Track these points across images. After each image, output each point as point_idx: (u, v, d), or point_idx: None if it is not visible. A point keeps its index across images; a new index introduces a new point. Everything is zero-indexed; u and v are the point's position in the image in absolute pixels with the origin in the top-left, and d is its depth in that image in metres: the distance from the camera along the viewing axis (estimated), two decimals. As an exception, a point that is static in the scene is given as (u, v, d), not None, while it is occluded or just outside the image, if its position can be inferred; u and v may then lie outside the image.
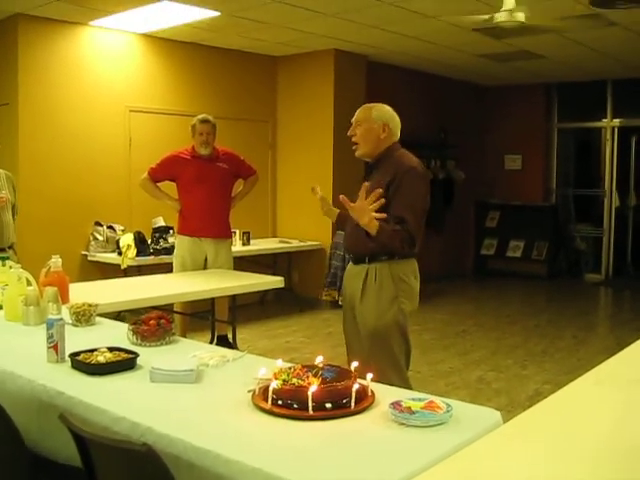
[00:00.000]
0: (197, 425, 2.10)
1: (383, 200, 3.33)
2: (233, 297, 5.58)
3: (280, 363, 2.41)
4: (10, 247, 5.17)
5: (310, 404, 2.11)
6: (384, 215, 3.36)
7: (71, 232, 7.14)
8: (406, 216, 3.48)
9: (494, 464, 1.80)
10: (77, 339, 2.93)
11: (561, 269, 11.37)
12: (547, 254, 11.17)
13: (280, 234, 9.25)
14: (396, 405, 2.13)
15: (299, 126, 9.08)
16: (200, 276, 5.60)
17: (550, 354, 6.62)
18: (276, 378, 2.24)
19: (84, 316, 3.41)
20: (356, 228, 3.56)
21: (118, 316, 4.37)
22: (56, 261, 3.76)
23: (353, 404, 2.18)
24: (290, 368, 2.35)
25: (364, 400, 2.23)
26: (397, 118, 3.77)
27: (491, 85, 11.52)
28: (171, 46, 7.99)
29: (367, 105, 3.78)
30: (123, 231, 7.28)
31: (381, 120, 3.69)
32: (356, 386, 2.21)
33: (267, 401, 2.20)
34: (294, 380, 2.23)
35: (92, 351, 2.74)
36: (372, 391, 2.29)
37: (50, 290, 3.49)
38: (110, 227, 7.32)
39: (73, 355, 2.70)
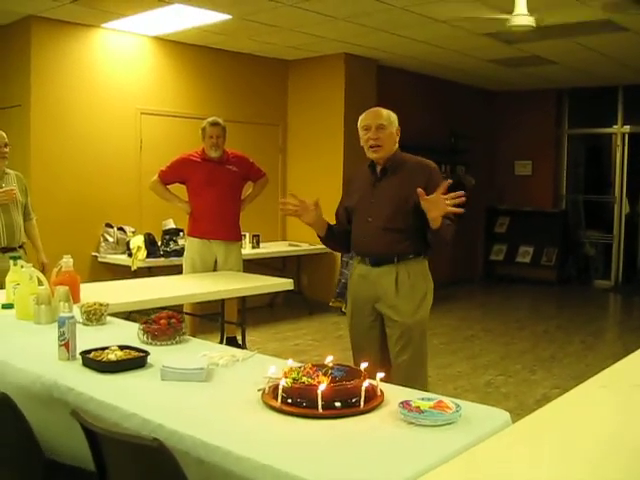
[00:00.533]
0: (207, 422, 2.12)
1: (464, 199, 3.37)
2: (243, 299, 5.58)
3: (291, 362, 2.42)
4: (20, 247, 5.19)
5: (320, 402, 2.12)
6: (461, 210, 3.40)
7: (82, 233, 7.17)
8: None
9: (503, 464, 1.80)
10: (88, 338, 2.94)
11: (570, 275, 11.35)
12: (556, 260, 11.15)
13: (290, 237, 9.26)
14: (405, 404, 2.13)
15: (309, 130, 9.10)
16: (210, 278, 5.62)
17: (559, 359, 6.61)
18: (286, 377, 2.25)
19: (95, 315, 3.43)
20: (385, 230, 3.67)
21: (128, 317, 4.38)
22: (67, 261, 3.79)
23: (362, 403, 2.19)
24: (300, 367, 2.36)
25: (373, 399, 2.24)
26: None
27: (501, 90, 11.52)
28: (182, 49, 8.03)
29: (379, 109, 3.83)
30: (133, 233, 7.32)
31: (395, 124, 3.80)
32: (365, 385, 2.22)
33: (277, 399, 2.21)
34: (304, 379, 2.24)
35: (103, 349, 2.75)
36: (381, 390, 2.30)
37: (61, 289, 3.52)
38: (120, 229, 7.36)
39: (84, 353, 2.72)
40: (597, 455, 1.84)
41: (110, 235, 7.32)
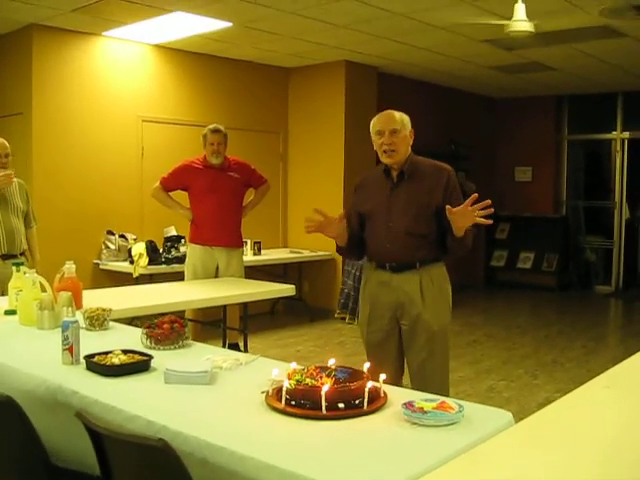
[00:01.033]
0: (212, 424, 2.13)
1: (492, 209, 3.36)
2: (244, 305, 5.60)
3: (294, 365, 2.44)
4: (22, 254, 5.21)
5: (323, 404, 2.13)
6: (490, 221, 3.38)
7: (83, 241, 7.19)
8: None
9: (505, 463, 1.82)
10: (91, 343, 2.96)
11: (571, 281, 11.35)
12: (557, 266, 11.16)
13: (291, 244, 9.28)
14: (409, 405, 2.15)
15: (310, 137, 9.13)
16: (212, 284, 5.64)
17: (560, 364, 6.62)
18: (290, 378, 2.26)
19: (98, 320, 3.44)
20: (407, 235, 3.62)
21: (130, 324, 4.39)
22: (70, 267, 3.80)
23: (366, 404, 2.20)
24: (304, 369, 2.37)
25: (377, 400, 2.25)
26: None
27: (501, 97, 11.55)
28: (183, 57, 8.06)
29: (392, 113, 3.75)
30: (135, 240, 7.33)
31: (409, 127, 3.74)
32: (369, 386, 2.23)
33: (281, 401, 2.23)
34: (307, 380, 2.26)
35: (107, 353, 2.77)
36: (384, 392, 2.31)
37: (64, 295, 3.53)
38: (122, 236, 7.37)
39: (88, 357, 2.73)
40: (600, 455, 1.85)
41: (112, 242, 7.33)
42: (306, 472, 1.75)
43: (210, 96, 8.39)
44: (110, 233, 7.36)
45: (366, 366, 2.41)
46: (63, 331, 2.80)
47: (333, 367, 2.40)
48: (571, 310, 9.99)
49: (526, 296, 10.72)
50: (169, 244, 7.28)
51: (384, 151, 3.67)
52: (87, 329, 3.37)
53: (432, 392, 2.50)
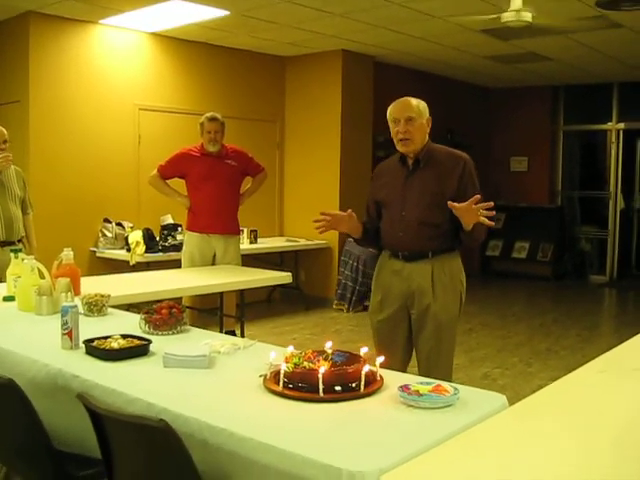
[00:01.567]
0: (211, 406, 2.16)
1: (494, 212, 3.35)
2: (241, 293, 5.63)
3: (291, 349, 2.47)
4: (19, 240, 5.22)
5: (321, 386, 2.16)
6: (492, 223, 3.39)
7: (80, 228, 7.20)
8: None
9: (500, 444, 1.85)
10: (90, 328, 2.98)
11: (566, 270, 11.40)
12: (552, 255, 11.20)
13: (287, 233, 9.31)
14: (405, 388, 2.18)
15: (306, 126, 9.14)
16: (209, 271, 5.66)
17: (555, 352, 6.68)
18: (287, 362, 2.30)
19: (96, 306, 3.47)
20: (420, 225, 3.60)
21: (127, 311, 4.41)
22: (68, 254, 3.82)
23: (362, 387, 2.23)
24: (301, 352, 2.40)
25: (373, 384, 2.28)
26: None
27: (497, 87, 11.57)
28: (180, 45, 8.06)
29: (408, 100, 3.69)
30: (132, 228, 7.35)
31: (426, 114, 3.70)
32: (365, 370, 2.26)
33: (278, 384, 2.26)
34: (305, 364, 2.29)
35: (106, 338, 2.79)
36: (381, 375, 2.35)
37: (63, 281, 3.56)
38: (119, 224, 7.39)
39: (87, 342, 2.76)
40: (595, 436, 1.89)
41: (108, 230, 7.35)
42: (304, 452, 1.78)
43: (207, 85, 8.39)
44: (107, 221, 7.38)
45: (363, 351, 2.43)
46: (62, 316, 2.82)
47: (330, 351, 2.43)
48: (566, 299, 10.04)
49: (521, 285, 10.77)
50: (166, 232, 7.30)
51: (400, 139, 3.63)
52: (85, 315, 3.39)
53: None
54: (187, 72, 8.20)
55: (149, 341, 2.79)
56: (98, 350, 2.69)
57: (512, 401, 2.23)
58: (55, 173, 7.07)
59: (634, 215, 11.49)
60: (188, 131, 7.33)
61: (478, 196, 3.34)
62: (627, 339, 3.00)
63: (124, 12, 6.88)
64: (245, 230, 7.77)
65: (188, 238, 6.18)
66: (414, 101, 3.68)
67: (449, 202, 3.39)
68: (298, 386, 2.22)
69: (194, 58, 8.24)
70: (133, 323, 3.18)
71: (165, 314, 3.12)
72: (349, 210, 3.71)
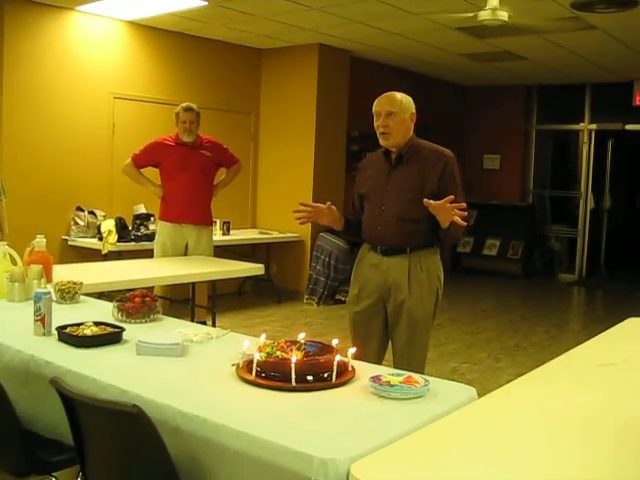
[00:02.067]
0: (184, 393, 2.18)
1: (466, 213, 3.36)
2: (213, 284, 5.64)
3: (264, 338, 2.49)
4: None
5: (293, 376, 2.19)
6: (464, 223, 3.39)
7: (52, 216, 7.15)
8: (464, 206, 3.52)
9: (469, 434, 1.89)
10: (62, 315, 2.98)
11: (536, 268, 11.51)
12: (522, 253, 11.31)
13: (260, 225, 9.31)
14: (376, 379, 2.21)
15: (281, 119, 9.14)
16: (181, 261, 5.66)
17: (523, 348, 6.76)
18: (260, 351, 2.32)
19: (69, 293, 3.47)
20: (399, 220, 3.62)
21: (99, 299, 4.41)
22: (40, 241, 3.81)
23: (334, 377, 2.26)
24: (274, 342, 2.42)
25: (345, 374, 2.31)
26: None
27: (472, 85, 11.64)
28: (157, 35, 8.02)
29: (392, 94, 3.72)
30: (104, 217, 7.31)
31: (409, 109, 3.71)
32: (337, 360, 2.29)
33: (251, 373, 2.27)
34: (278, 353, 2.31)
35: (78, 325, 2.80)
36: (352, 366, 2.37)
37: (35, 267, 3.56)
38: (91, 212, 7.35)
39: (60, 328, 2.75)
40: (561, 428, 1.93)
41: (81, 219, 7.31)
42: (277, 439, 1.81)
43: (182, 75, 8.36)
44: (79, 209, 7.34)
45: (334, 342, 2.46)
46: (35, 302, 2.82)
47: (303, 341, 2.46)
48: (535, 297, 10.16)
49: (491, 282, 10.85)
50: (138, 222, 7.28)
51: (380, 133, 3.66)
52: (58, 302, 3.38)
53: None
54: (163, 62, 8.17)
55: (122, 329, 2.79)
56: (71, 337, 2.69)
57: (480, 396, 2.27)
58: (28, 160, 7.00)
59: (604, 215, 11.62)
60: (162, 121, 7.31)
61: (452, 197, 3.35)
62: (595, 336, 3.07)
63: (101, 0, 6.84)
64: (218, 221, 7.75)
65: (160, 228, 6.17)
66: (398, 96, 3.71)
67: (424, 200, 3.41)
68: (271, 375, 2.25)
69: (170, 48, 8.20)
70: (106, 311, 3.19)
71: (138, 302, 3.13)
72: (328, 203, 3.72)
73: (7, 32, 6.80)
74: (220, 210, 7.18)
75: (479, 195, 11.56)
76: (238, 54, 8.93)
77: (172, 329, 2.89)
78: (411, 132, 3.73)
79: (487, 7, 5.81)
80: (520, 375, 2.41)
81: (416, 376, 2.26)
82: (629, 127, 10.85)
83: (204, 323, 6.09)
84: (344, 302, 7.97)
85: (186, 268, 5.30)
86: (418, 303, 3.66)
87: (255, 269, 5.63)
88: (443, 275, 3.82)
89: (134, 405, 1.88)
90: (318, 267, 8.51)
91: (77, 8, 7.18)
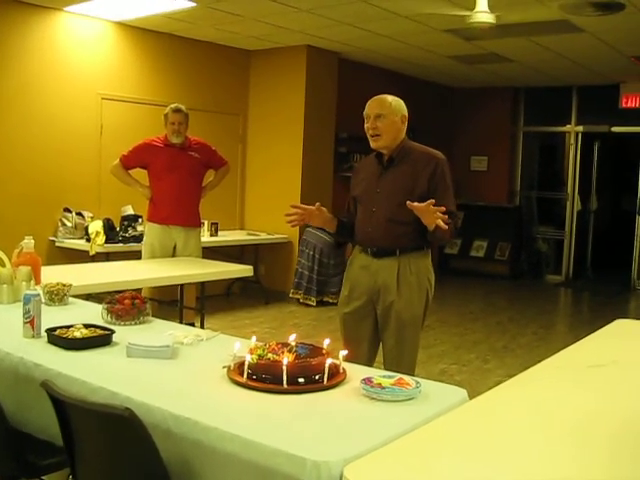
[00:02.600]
0: (175, 396, 2.17)
1: (446, 216, 3.37)
2: (202, 286, 5.63)
3: (254, 340, 2.48)
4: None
5: (285, 378, 2.19)
6: (445, 227, 3.39)
7: (40, 217, 7.12)
8: (453, 208, 3.58)
9: (460, 436, 1.89)
10: (51, 317, 2.97)
11: (523, 269, 11.56)
12: (509, 255, 11.35)
13: (248, 227, 9.30)
14: (367, 381, 2.21)
15: (270, 121, 9.13)
16: (169, 263, 5.65)
17: (511, 349, 6.78)
18: (252, 353, 2.31)
19: (57, 295, 3.45)
20: (388, 222, 3.63)
21: (87, 300, 4.39)
22: (28, 242, 3.79)
23: (326, 379, 2.26)
24: (265, 344, 2.42)
25: (336, 376, 2.31)
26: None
27: (459, 87, 11.68)
28: (145, 36, 8.00)
29: (383, 97, 3.73)
30: (92, 218, 7.29)
31: (400, 112, 3.71)
32: (328, 362, 2.29)
33: (242, 375, 2.27)
34: (269, 355, 2.31)
35: (68, 327, 2.78)
36: (343, 368, 2.38)
37: (24, 269, 3.54)
38: (79, 214, 7.32)
39: (49, 330, 2.74)
40: (552, 428, 1.94)
41: (68, 220, 7.28)
42: (269, 442, 1.80)
43: (170, 76, 8.34)
44: (67, 210, 7.31)
45: (326, 343, 2.46)
46: (24, 304, 2.80)
47: (294, 343, 2.46)
48: (522, 298, 10.18)
49: (478, 284, 10.89)
50: (126, 223, 7.26)
51: (370, 135, 3.68)
52: (47, 304, 3.36)
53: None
54: (151, 63, 8.15)
55: (112, 331, 2.78)
56: (61, 339, 2.68)
57: (469, 397, 2.28)
58: (15, 161, 6.97)
59: (590, 217, 11.68)
60: (151, 122, 7.30)
61: (432, 201, 3.36)
62: (582, 338, 3.08)
63: (89, 0, 6.80)
64: (206, 223, 7.74)
65: (149, 229, 6.15)
66: (389, 98, 3.72)
67: (407, 202, 3.41)
68: (262, 377, 2.24)
69: (158, 49, 8.18)
70: (95, 313, 3.18)
71: (128, 304, 3.12)
72: (317, 204, 3.74)
73: (-6, 32, 6.78)
74: (208, 211, 7.17)
75: (466, 197, 11.58)
76: (226, 55, 8.92)
77: (162, 331, 2.89)
78: (402, 134, 3.74)
79: (475, 10, 5.83)
80: (509, 376, 2.43)
81: (407, 378, 2.27)
82: (615, 129, 10.91)
83: (192, 324, 6.08)
84: (332, 304, 8.00)
85: (175, 269, 5.29)
86: (407, 305, 3.66)
87: (244, 270, 5.63)
88: (434, 278, 3.82)
89: (126, 408, 1.87)
90: (303, 261, 8.52)
91: (65, 9, 7.15)
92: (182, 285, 5.75)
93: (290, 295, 8.57)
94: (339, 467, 1.69)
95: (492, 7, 5.87)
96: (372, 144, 3.71)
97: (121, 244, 7.08)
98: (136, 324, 3.10)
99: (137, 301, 3.16)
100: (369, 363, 3.57)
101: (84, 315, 3.13)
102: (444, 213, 3.39)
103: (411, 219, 3.56)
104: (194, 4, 6.81)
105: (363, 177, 3.87)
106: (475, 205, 11.47)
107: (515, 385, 2.39)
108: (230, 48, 8.89)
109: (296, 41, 8.47)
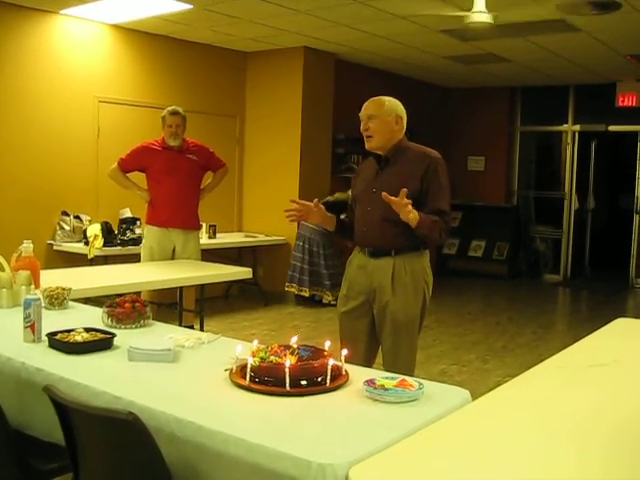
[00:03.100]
0: (178, 399, 2.16)
1: (410, 201, 3.39)
2: (201, 288, 5.62)
3: (256, 343, 2.48)
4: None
5: (287, 380, 2.18)
6: (414, 223, 3.43)
7: (37, 221, 7.11)
8: (444, 207, 3.58)
9: (464, 437, 1.89)
10: (52, 321, 2.96)
11: (521, 269, 11.57)
12: (508, 254, 11.36)
13: (246, 228, 9.30)
14: (370, 382, 2.21)
15: (267, 122, 9.13)
16: (169, 266, 5.64)
17: (511, 349, 6.78)
18: (254, 356, 2.31)
19: (57, 299, 3.44)
20: (382, 221, 3.63)
21: (86, 304, 4.38)
22: (27, 246, 3.78)
23: (328, 382, 2.26)
24: (267, 347, 2.42)
25: (339, 378, 2.31)
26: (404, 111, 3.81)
27: (456, 87, 11.68)
28: (142, 38, 8.00)
29: (377, 99, 3.75)
30: (90, 221, 7.28)
31: (394, 112, 3.71)
32: (330, 364, 2.28)
33: (245, 378, 2.26)
34: (272, 358, 2.30)
35: (69, 331, 2.77)
36: (346, 370, 2.37)
37: (23, 273, 3.53)
38: (77, 217, 7.31)
39: (50, 335, 2.73)
40: (556, 429, 1.94)
41: (66, 223, 7.27)
42: (274, 445, 1.80)
43: (167, 78, 8.34)
44: (65, 214, 7.30)
45: (327, 344, 2.46)
46: (25, 309, 2.79)
47: (296, 345, 2.45)
48: (521, 298, 10.19)
49: (477, 284, 10.90)
50: (124, 226, 7.25)
51: (365, 137, 3.71)
52: (47, 308, 3.35)
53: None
54: (148, 65, 8.14)
55: (113, 335, 2.78)
56: (62, 343, 2.67)
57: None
58: (13, 165, 6.96)
59: (588, 216, 11.69)
60: (148, 124, 7.30)
61: (405, 190, 3.38)
62: (581, 337, 3.08)
63: (85, 3, 6.79)
64: (204, 225, 7.73)
65: (148, 232, 6.15)
66: (383, 99, 3.73)
67: (383, 193, 3.43)
68: (264, 380, 2.24)
69: (155, 51, 8.18)
70: (95, 317, 3.17)
71: (128, 308, 3.12)
72: (315, 200, 3.76)
73: (-9, 36, 6.77)
74: (206, 213, 7.16)
75: (464, 197, 11.60)
76: (223, 57, 8.92)
77: (163, 334, 2.88)
78: (398, 135, 3.74)
79: (473, 10, 5.83)
80: (508, 376, 2.44)
81: (410, 379, 2.27)
82: (612, 128, 10.92)
83: (192, 327, 6.07)
84: (331, 305, 7.99)
85: (174, 272, 5.28)
86: (402, 306, 3.66)
87: (243, 272, 5.62)
88: (432, 279, 3.82)
89: (130, 412, 1.86)
90: (296, 253, 8.52)
91: (61, 12, 7.14)
92: (181, 288, 5.74)
93: (285, 289, 8.54)
94: (344, 469, 1.68)
95: (489, 7, 5.87)
96: (366, 145, 3.74)
97: (119, 247, 7.07)
98: (137, 327, 3.09)
99: (138, 304, 3.15)
100: (367, 364, 3.56)
101: (84, 319, 3.12)
102: (434, 212, 3.47)
103: None
104: (190, 6, 6.81)
105: (363, 178, 3.89)
106: (473, 205, 11.49)
107: (517, 385, 2.38)
108: (227, 50, 8.90)
109: (293, 43, 8.47)
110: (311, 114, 8.86)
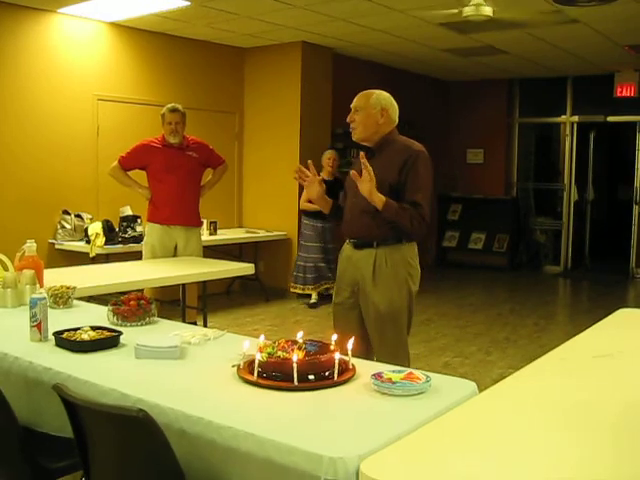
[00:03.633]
0: (186, 396, 2.18)
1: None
2: (204, 284, 5.63)
3: (263, 339, 2.49)
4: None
5: (295, 375, 2.19)
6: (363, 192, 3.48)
7: (38, 220, 7.11)
8: (418, 199, 3.60)
9: (472, 430, 1.90)
10: (57, 320, 2.97)
11: (521, 261, 11.60)
12: (508, 246, 11.38)
13: (246, 224, 9.30)
14: (378, 376, 2.22)
15: (266, 118, 9.13)
16: (171, 263, 5.65)
17: (513, 341, 6.80)
18: (261, 351, 2.32)
19: (62, 298, 3.45)
20: (362, 212, 3.66)
21: (88, 302, 4.39)
22: (31, 246, 3.78)
23: (336, 376, 2.27)
24: (274, 342, 2.43)
25: (346, 372, 2.32)
26: (396, 104, 3.85)
27: (455, 80, 11.68)
28: (139, 35, 7.99)
29: (366, 92, 3.81)
30: (91, 220, 7.28)
31: (379, 105, 3.76)
32: (337, 358, 2.29)
33: (252, 374, 2.28)
34: (279, 353, 2.31)
35: (75, 330, 2.78)
36: (353, 364, 2.38)
37: (28, 273, 3.54)
38: (78, 215, 7.32)
39: (57, 333, 2.74)
40: (562, 420, 1.95)
41: (67, 222, 7.27)
42: (284, 440, 1.81)
43: (166, 75, 8.33)
44: (66, 212, 7.30)
45: (333, 338, 2.47)
46: (31, 308, 2.80)
47: (302, 340, 2.46)
48: (521, 289, 10.21)
49: (477, 276, 10.91)
50: (125, 224, 7.25)
51: (350, 128, 3.79)
52: (51, 307, 3.35)
53: None
54: (146, 63, 8.14)
55: (119, 332, 2.79)
56: (69, 342, 2.68)
57: (475, 390, 2.29)
58: (13, 164, 6.96)
59: (587, 207, 11.70)
60: (147, 122, 7.31)
61: (370, 169, 3.46)
62: (582, 327, 3.09)
63: (83, 1, 6.79)
64: (205, 221, 7.73)
65: (149, 229, 6.15)
66: (370, 92, 3.81)
67: (352, 171, 3.53)
68: (272, 375, 2.25)
69: (153, 49, 8.17)
70: (99, 315, 3.18)
71: (133, 305, 3.12)
72: (309, 161, 3.92)
73: (-11, 36, 6.76)
74: (207, 210, 7.16)
75: (463, 189, 11.63)
76: (221, 53, 8.91)
77: (168, 331, 2.89)
78: (384, 127, 3.78)
79: (471, 3, 5.83)
80: (511, 367, 2.45)
81: (417, 372, 2.28)
82: (611, 119, 10.94)
83: (195, 324, 6.09)
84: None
85: (177, 269, 5.29)
86: (384, 298, 3.67)
87: (245, 269, 5.63)
88: (418, 271, 3.80)
89: (140, 409, 1.87)
90: (303, 254, 8.50)
91: (59, 10, 7.14)
92: (184, 285, 5.75)
93: (291, 290, 8.53)
94: (355, 463, 1.69)
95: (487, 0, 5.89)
96: (352, 136, 3.82)
97: (121, 245, 7.07)
98: (142, 325, 3.10)
99: (143, 302, 3.16)
100: (362, 355, 3.56)
101: (89, 317, 3.13)
102: (409, 204, 3.55)
103: None
104: (188, 3, 6.80)
105: (355, 169, 3.90)
106: (472, 198, 11.52)
107: (523, 377, 2.39)
108: (225, 46, 8.89)
109: (291, 38, 8.47)
110: (310, 109, 8.86)
